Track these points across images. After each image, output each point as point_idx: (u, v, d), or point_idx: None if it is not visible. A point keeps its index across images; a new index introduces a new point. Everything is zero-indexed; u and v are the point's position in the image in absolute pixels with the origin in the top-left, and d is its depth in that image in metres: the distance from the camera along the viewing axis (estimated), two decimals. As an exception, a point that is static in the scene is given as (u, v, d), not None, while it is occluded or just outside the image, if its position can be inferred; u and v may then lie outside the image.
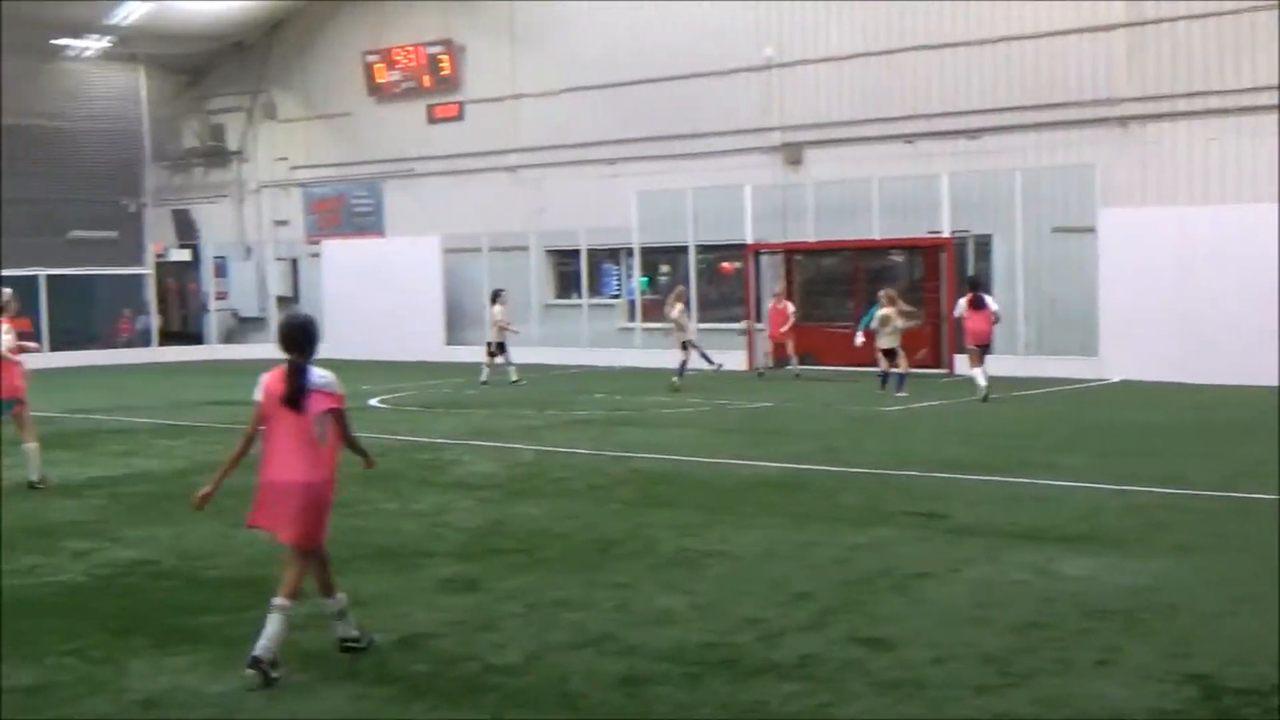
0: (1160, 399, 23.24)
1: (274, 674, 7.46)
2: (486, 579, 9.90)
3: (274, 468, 7.86)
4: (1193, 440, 17.89)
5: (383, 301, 37.32)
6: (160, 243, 44.77)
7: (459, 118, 38.80)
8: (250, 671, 7.43)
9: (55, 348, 37.68)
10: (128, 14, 38.78)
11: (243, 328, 43.91)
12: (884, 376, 24.58)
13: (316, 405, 7.80)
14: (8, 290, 15.65)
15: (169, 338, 43.18)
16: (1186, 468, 15.09)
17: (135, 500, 14.12)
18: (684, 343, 27.39)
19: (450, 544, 9.46)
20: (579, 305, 36.26)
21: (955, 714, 6.76)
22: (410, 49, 39.22)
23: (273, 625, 7.57)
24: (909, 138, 31.14)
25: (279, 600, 7.67)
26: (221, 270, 43.91)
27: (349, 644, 8.08)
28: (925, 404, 22.87)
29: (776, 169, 33.14)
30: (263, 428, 7.96)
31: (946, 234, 29.67)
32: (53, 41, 40.26)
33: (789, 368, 29.50)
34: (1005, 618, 8.60)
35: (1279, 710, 6.70)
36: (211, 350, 41.85)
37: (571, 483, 14.74)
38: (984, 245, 30.01)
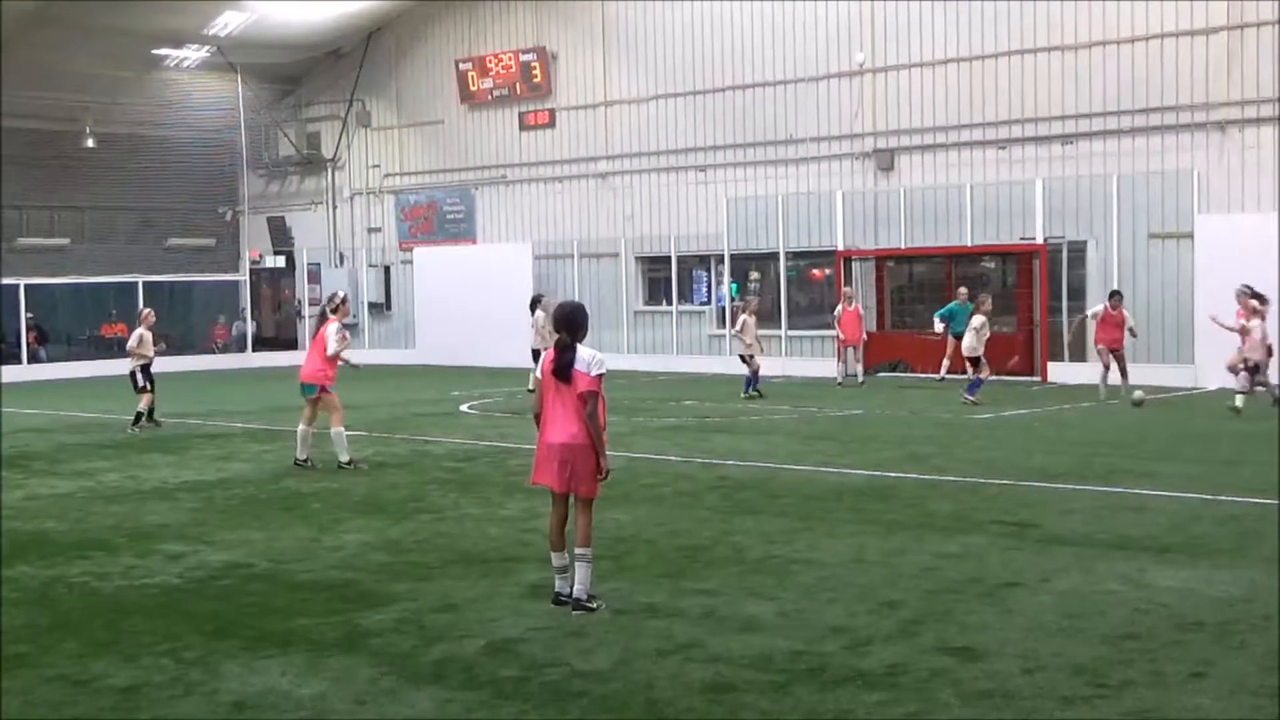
0: (1257, 408, 22.80)
1: (595, 606, 9.04)
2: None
3: (549, 432, 9.23)
4: (1292, 450, 17.58)
5: (474, 308, 37.57)
6: (256, 249, 45.41)
7: (550, 125, 38.99)
8: (576, 611, 8.99)
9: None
10: (227, 24, 39.34)
11: (336, 333, 44.30)
12: (976, 384, 24.30)
13: (580, 380, 9.06)
14: (342, 291, 18.01)
15: (263, 343, 43.77)
16: (1285, 478, 14.82)
17: (229, 504, 14.32)
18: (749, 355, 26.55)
19: (538, 550, 9.51)
20: (669, 312, 36.30)
21: (1044, 725, 6.69)
22: (503, 56, 39.47)
23: (582, 570, 9.12)
24: (1002, 143, 30.87)
25: (580, 550, 9.09)
26: (315, 277, 44.40)
27: (581, 605, 9.08)
28: (1016, 411, 22.65)
29: (868, 175, 32.99)
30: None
31: (1040, 240, 29.41)
32: (153, 52, 40.92)
33: (857, 376, 29.39)
34: (1096, 628, 8.50)
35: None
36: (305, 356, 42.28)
37: (659, 489, 14.75)
38: (1078, 252, 29.66)
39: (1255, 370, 21.93)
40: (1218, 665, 7.65)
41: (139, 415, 22.13)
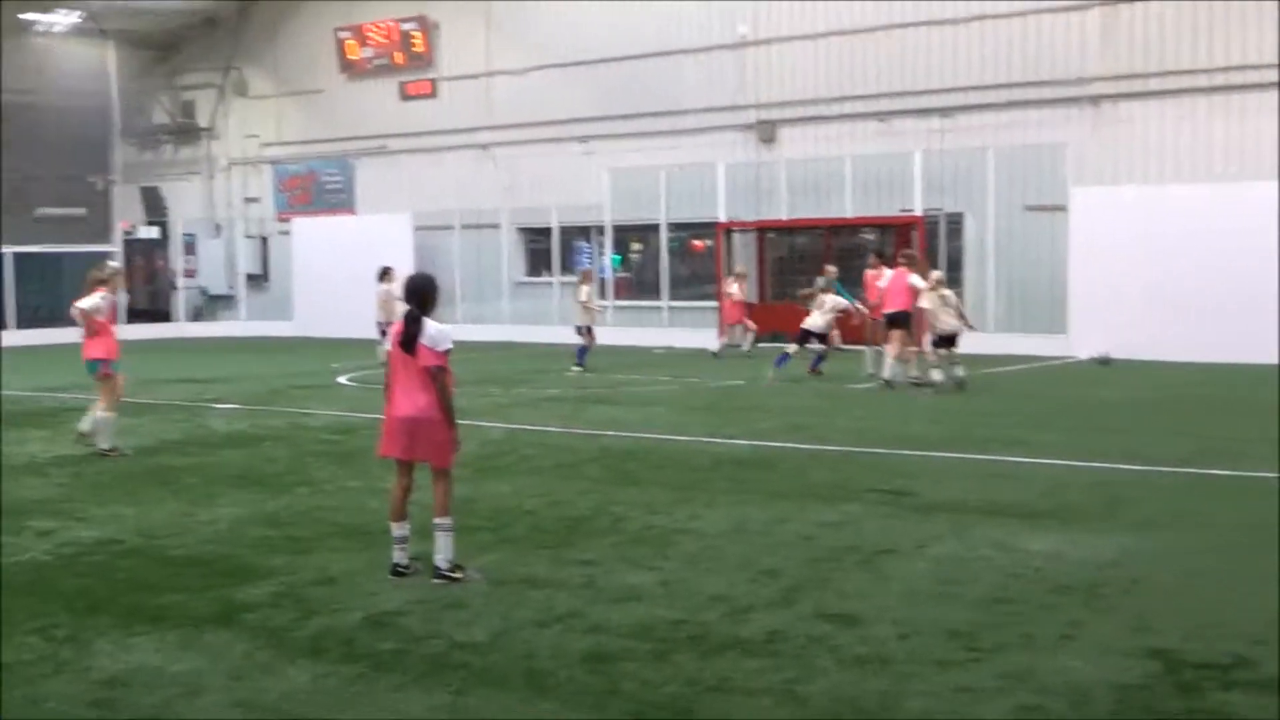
0: (1127, 376, 23.34)
1: (458, 575, 9.04)
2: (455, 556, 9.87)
3: (396, 405, 9.26)
4: (1158, 416, 18.01)
5: (353, 279, 37.07)
6: (128, 220, 44.56)
7: (432, 95, 38.69)
8: (437, 580, 9.01)
9: (22, 326, 37.61)
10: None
11: (211, 305, 43.75)
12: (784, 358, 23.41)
13: (425, 354, 9.06)
14: (114, 263, 16.39)
15: (137, 315, 42.96)
16: (1150, 444, 15.19)
17: (100, 479, 14.03)
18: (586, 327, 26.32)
19: (416, 522, 9.42)
20: (550, 283, 36.22)
21: (920, 689, 6.76)
22: (383, 25, 39.04)
23: (442, 539, 9.10)
24: (882, 116, 31.15)
25: (438, 520, 9.10)
26: (190, 248, 43.72)
27: (442, 574, 9.06)
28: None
29: (749, 147, 33.14)
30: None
31: (919, 212, 29.73)
32: (20, 16, 39.91)
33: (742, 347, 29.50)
34: (970, 593, 8.63)
35: (1239, 684, 6.74)
36: (180, 328, 41.68)
37: (540, 460, 14.72)
38: (956, 223, 30.06)
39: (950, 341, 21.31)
40: (1087, 627, 7.80)
41: None
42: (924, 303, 21.32)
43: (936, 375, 21.43)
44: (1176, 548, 9.91)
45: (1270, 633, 7.57)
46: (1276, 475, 12.69)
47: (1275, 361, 24.34)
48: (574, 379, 24.54)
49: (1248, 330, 25.16)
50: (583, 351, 26.14)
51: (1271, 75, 26.68)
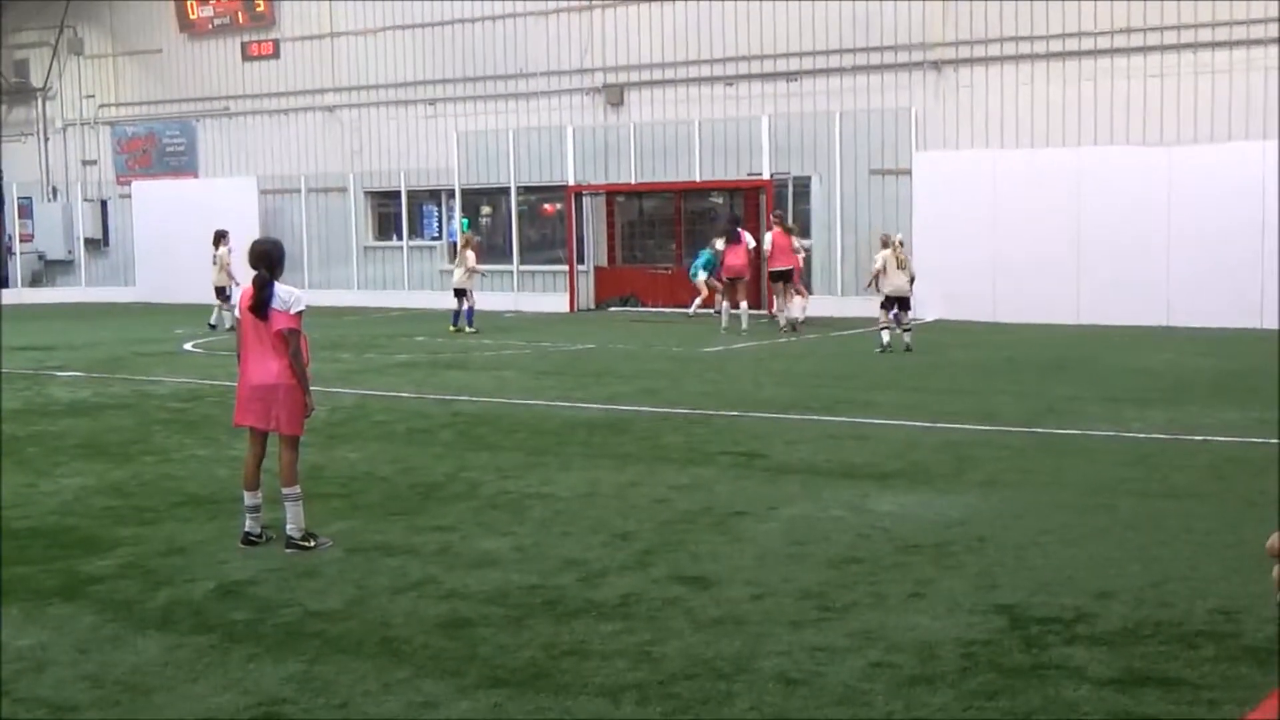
0: (971, 338, 23.82)
1: (311, 544, 9.00)
2: (306, 524, 9.76)
3: (250, 372, 9.11)
4: (1002, 378, 18.38)
5: (197, 244, 36.31)
6: (-40, 182, 43.18)
7: (275, 56, 37.98)
8: (289, 550, 8.93)
9: None
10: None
11: (49, 271, 42.60)
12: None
13: (278, 319, 8.93)
14: None
15: (-29, 281, 41.73)
16: (996, 405, 15.53)
17: (-63, 450, 13.64)
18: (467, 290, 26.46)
19: (267, 490, 9.31)
20: (399, 247, 35.90)
21: (774, 648, 6.85)
22: (223, -16, 38.24)
23: (291, 509, 9.05)
24: (729, 80, 31.29)
25: (286, 490, 9.06)
26: (26, 211, 42.48)
27: (294, 543, 9.01)
28: (745, 345, 23.10)
29: (598, 110, 33.10)
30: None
31: (766, 176, 29.96)
32: None
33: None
34: (822, 553, 8.76)
35: (1082, 638, 6.94)
36: (18, 294, 40.47)
37: (392, 426, 14.62)
38: (803, 187, 30.35)
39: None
40: (935, 585, 7.97)
41: None
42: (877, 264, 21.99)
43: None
44: (1023, 506, 10.14)
45: (1112, 586, 7.81)
46: (1147, 436, 13.10)
47: (1111, 322, 25.10)
48: (425, 344, 24.38)
49: (1084, 292, 25.85)
50: (470, 312, 26.26)
51: (1106, 41, 27.33)
